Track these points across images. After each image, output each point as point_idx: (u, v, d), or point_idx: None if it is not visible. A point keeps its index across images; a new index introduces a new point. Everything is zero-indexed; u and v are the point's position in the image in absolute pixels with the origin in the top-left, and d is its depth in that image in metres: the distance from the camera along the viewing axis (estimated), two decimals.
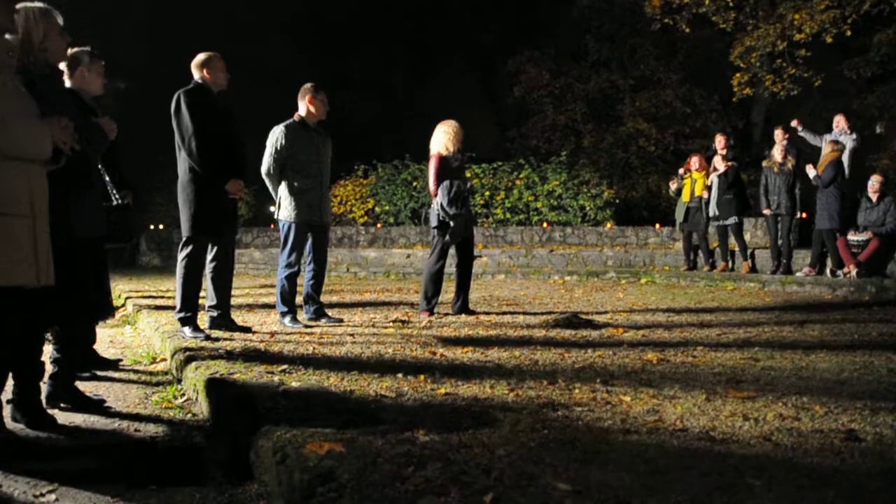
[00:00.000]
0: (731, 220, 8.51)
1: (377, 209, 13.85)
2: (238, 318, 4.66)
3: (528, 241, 12.73)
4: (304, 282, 4.87)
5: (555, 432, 1.98)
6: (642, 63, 16.99)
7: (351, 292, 7.61)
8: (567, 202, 13.51)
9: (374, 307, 5.93)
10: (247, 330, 4.32)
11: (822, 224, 7.67)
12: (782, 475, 1.61)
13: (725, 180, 8.49)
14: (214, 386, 2.77)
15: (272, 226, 13.70)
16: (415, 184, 13.46)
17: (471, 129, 6.21)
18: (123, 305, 6.73)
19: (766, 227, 8.67)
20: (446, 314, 5.23)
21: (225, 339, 3.95)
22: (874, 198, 7.58)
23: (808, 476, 1.61)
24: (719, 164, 8.57)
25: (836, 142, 7.99)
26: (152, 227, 15.58)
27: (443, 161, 5.21)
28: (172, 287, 4.54)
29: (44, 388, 2.84)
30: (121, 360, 4.05)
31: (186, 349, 3.56)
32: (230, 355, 3.37)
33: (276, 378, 2.80)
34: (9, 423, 2.58)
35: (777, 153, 8.23)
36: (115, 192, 3.65)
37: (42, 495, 1.98)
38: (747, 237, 9.80)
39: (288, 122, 4.70)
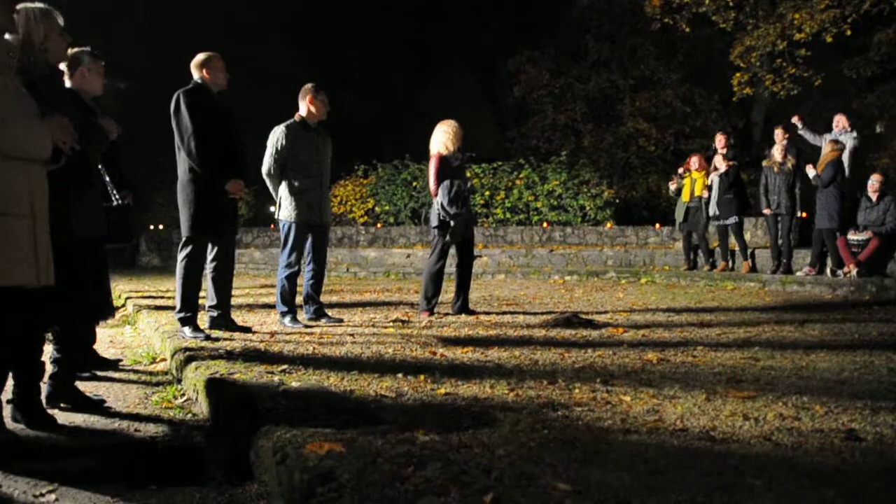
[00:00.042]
0: (732, 220, 8.51)
1: (377, 209, 13.85)
2: (238, 318, 4.66)
3: (528, 240, 12.73)
4: (303, 282, 4.87)
5: (555, 432, 1.97)
6: (642, 63, 16.99)
7: (351, 292, 7.61)
8: (567, 202, 13.51)
9: (374, 307, 5.93)
10: (247, 330, 4.32)
11: (822, 224, 7.67)
12: (782, 475, 1.61)
13: (726, 180, 8.49)
14: (214, 386, 2.77)
15: (272, 226, 13.70)
16: (415, 184, 13.46)
17: (471, 129, 6.21)
18: (123, 305, 6.73)
19: (766, 226, 8.67)
20: (446, 314, 5.23)
21: (225, 339, 3.95)
22: (874, 197, 7.57)
23: (809, 476, 1.61)
24: (720, 163, 8.57)
25: (835, 141, 7.98)
26: (152, 227, 15.58)
27: (443, 161, 5.21)
28: (172, 287, 4.55)
29: (44, 388, 2.84)
30: (121, 360, 4.05)
31: (186, 349, 3.56)
32: (230, 355, 3.37)
33: (276, 378, 2.80)
34: (9, 423, 2.58)
35: (777, 153, 8.23)
36: (115, 192, 3.65)
37: (42, 495, 1.98)
38: (747, 237, 9.81)
39: (289, 122, 4.70)
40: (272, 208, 5.54)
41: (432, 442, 1.86)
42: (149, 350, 4.45)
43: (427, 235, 12.30)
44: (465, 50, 22.86)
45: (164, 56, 14.92)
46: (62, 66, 3.33)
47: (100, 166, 3.30)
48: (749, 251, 8.80)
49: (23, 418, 2.63)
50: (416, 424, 2.04)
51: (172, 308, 4.46)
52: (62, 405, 2.92)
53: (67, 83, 3.47)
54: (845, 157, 8.11)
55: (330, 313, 4.94)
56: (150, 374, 3.78)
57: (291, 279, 4.67)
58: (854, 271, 7.22)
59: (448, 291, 5.73)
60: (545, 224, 13.21)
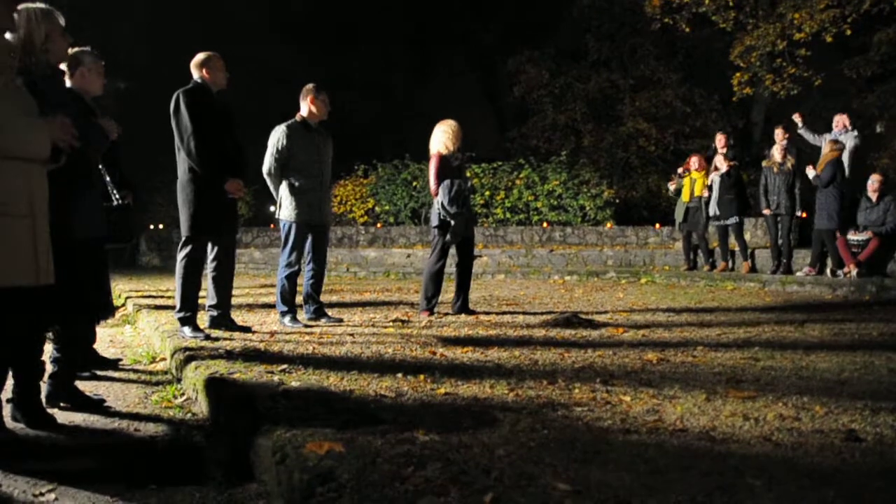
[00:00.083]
0: (732, 220, 8.51)
1: (377, 209, 13.85)
2: (238, 317, 4.66)
3: (528, 240, 12.73)
4: (303, 281, 4.87)
5: (555, 432, 1.97)
6: (642, 63, 16.99)
7: (351, 292, 7.61)
8: (567, 202, 13.50)
9: (374, 307, 5.93)
10: (247, 330, 4.32)
11: (822, 224, 7.66)
12: (783, 475, 1.61)
13: (728, 180, 8.49)
14: (214, 385, 2.77)
15: (272, 225, 13.69)
16: (415, 183, 13.46)
17: (471, 129, 6.21)
18: (123, 305, 6.73)
19: (766, 226, 8.67)
20: (446, 314, 5.23)
21: (225, 339, 3.94)
22: (874, 197, 7.58)
23: (809, 476, 1.61)
24: (721, 163, 8.56)
25: (835, 141, 7.98)
26: (152, 227, 15.57)
27: (443, 160, 5.21)
28: (172, 287, 4.55)
29: (44, 387, 2.84)
30: (121, 359, 4.05)
31: (186, 349, 3.56)
32: (230, 355, 3.37)
33: (275, 378, 2.80)
34: (9, 422, 2.58)
35: (777, 153, 8.23)
36: (115, 192, 3.65)
37: (42, 495, 1.98)
38: (747, 237, 9.80)
39: (290, 122, 4.71)
40: (272, 208, 5.54)
41: (432, 442, 1.86)
42: (149, 350, 4.45)
43: (427, 235, 12.29)
44: (465, 50, 22.86)
45: (164, 56, 14.91)
46: (63, 67, 3.33)
47: (100, 166, 3.30)
48: (749, 251, 8.80)
49: (23, 418, 2.63)
50: (415, 424, 2.04)
51: (172, 308, 4.46)
52: (62, 405, 2.92)
53: (68, 83, 3.46)
54: (846, 157, 8.12)
55: (330, 313, 4.94)
56: (150, 373, 3.78)
57: (291, 279, 4.67)
58: (854, 271, 7.22)
59: (448, 291, 5.73)
60: (545, 224, 13.21)
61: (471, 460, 1.69)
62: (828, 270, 7.71)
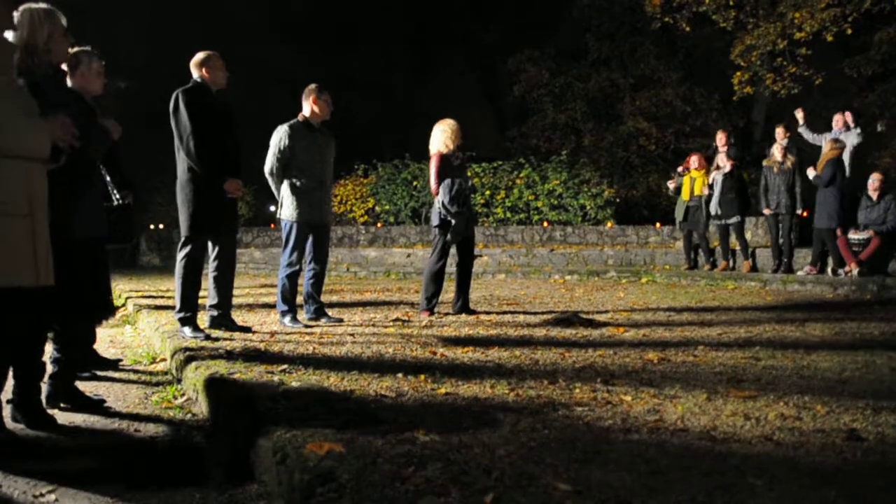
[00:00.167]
0: (734, 219, 8.50)
1: (377, 209, 13.85)
2: (238, 317, 4.66)
3: (529, 240, 12.73)
4: (304, 281, 4.86)
5: (555, 432, 1.97)
6: (642, 62, 16.98)
7: (351, 292, 7.61)
8: (567, 201, 13.50)
9: (375, 307, 5.93)
10: (247, 330, 4.32)
11: (821, 223, 7.66)
12: (784, 475, 1.61)
13: (730, 179, 8.48)
14: (214, 386, 2.77)
15: (272, 225, 13.69)
16: (415, 183, 13.46)
17: (471, 129, 6.21)
18: (123, 305, 6.73)
19: (767, 225, 8.66)
20: (447, 314, 5.22)
21: (225, 339, 3.94)
22: (874, 196, 7.57)
23: (810, 476, 1.60)
24: (723, 161, 8.55)
25: (835, 140, 7.97)
26: (152, 227, 15.57)
27: (443, 159, 5.21)
28: (172, 287, 4.54)
29: (44, 388, 2.84)
30: (121, 360, 4.05)
31: (186, 349, 3.56)
32: (230, 355, 3.36)
33: (276, 378, 2.80)
34: (9, 423, 2.57)
35: (777, 152, 8.22)
36: (115, 192, 3.65)
37: (42, 495, 1.97)
38: (748, 236, 9.80)
39: (292, 122, 4.71)
40: (272, 208, 5.55)
41: (432, 442, 1.86)
42: (149, 350, 4.45)
43: (427, 235, 12.29)
44: (465, 50, 22.86)
45: (164, 56, 14.92)
46: (64, 67, 3.33)
47: (100, 166, 3.30)
48: (750, 250, 8.80)
49: (23, 418, 2.63)
50: (416, 424, 2.04)
51: (172, 308, 4.46)
52: (62, 405, 2.92)
53: (69, 83, 3.46)
54: (847, 155, 8.11)
55: (330, 313, 4.94)
56: (150, 374, 3.78)
57: (292, 278, 4.67)
58: (855, 270, 7.21)
59: (448, 291, 5.72)
60: (545, 223, 13.21)
61: (471, 460, 1.69)
62: (829, 269, 7.70)
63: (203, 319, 4.32)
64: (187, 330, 4.03)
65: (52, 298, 2.54)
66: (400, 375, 2.84)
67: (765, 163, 8.51)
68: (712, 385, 2.64)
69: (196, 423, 2.75)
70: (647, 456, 1.75)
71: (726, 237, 8.77)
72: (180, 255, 4.10)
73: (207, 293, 4.34)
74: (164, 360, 4.01)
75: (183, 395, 3.17)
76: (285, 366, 3.05)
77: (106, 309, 4.05)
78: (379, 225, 13.50)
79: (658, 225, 13.12)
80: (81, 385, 3.13)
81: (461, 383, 2.70)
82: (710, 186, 8.70)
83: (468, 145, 5.63)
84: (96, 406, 2.96)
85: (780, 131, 8.49)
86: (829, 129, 8.67)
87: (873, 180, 7.61)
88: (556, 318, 4.71)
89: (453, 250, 5.43)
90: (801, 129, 8.82)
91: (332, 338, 4.04)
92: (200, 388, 2.89)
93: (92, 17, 13.44)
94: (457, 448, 1.79)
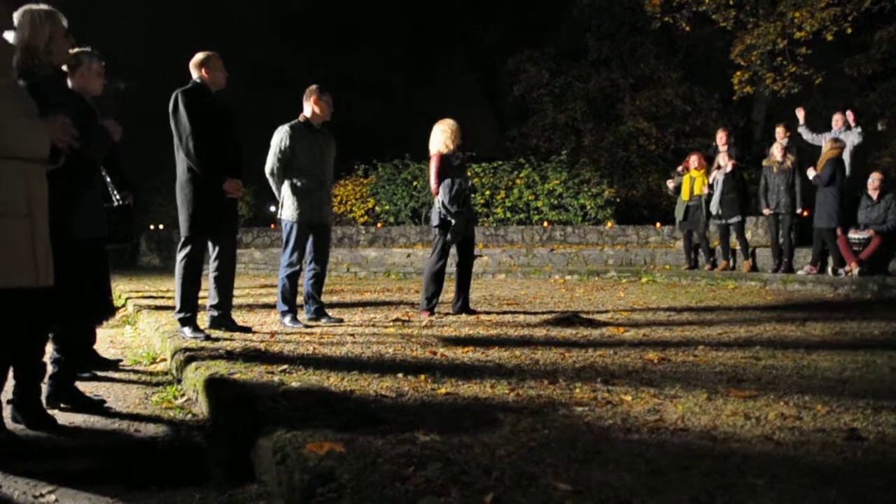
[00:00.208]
0: (735, 219, 8.50)
1: (377, 209, 13.85)
2: (238, 318, 4.66)
3: (529, 240, 12.72)
4: (304, 281, 4.87)
5: (555, 432, 1.97)
6: (642, 62, 16.98)
7: (351, 292, 7.61)
8: (567, 201, 13.50)
9: (375, 307, 5.93)
10: (247, 330, 4.32)
11: (821, 223, 7.65)
12: (784, 474, 1.60)
13: (732, 179, 8.48)
14: (214, 386, 2.77)
15: (272, 226, 13.70)
16: (415, 183, 13.46)
17: (471, 129, 6.22)
18: (123, 305, 6.74)
19: (767, 225, 8.66)
20: (447, 314, 5.22)
21: (225, 339, 3.94)
22: (874, 195, 7.56)
23: (811, 475, 1.60)
24: (724, 161, 8.54)
25: (835, 140, 7.97)
26: (152, 227, 15.57)
27: (444, 159, 5.21)
28: (172, 287, 4.55)
29: (44, 388, 2.84)
30: (121, 360, 4.05)
31: (186, 349, 3.56)
32: (230, 355, 3.36)
33: (276, 378, 2.80)
34: (9, 423, 2.57)
35: (776, 151, 8.22)
36: (115, 192, 3.65)
37: (42, 496, 1.97)
38: (748, 235, 9.79)
39: (293, 122, 4.71)
40: (272, 208, 5.55)
41: (433, 442, 1.85)
42: (149, 350, 4.45)
43: (427, 235, 12.29)
44: (465, 50, 22.85)
45: (164, 56, 14.93)
46: (64, 68, 3.33)
47: (100, 167, 3.30)
48: (750, 250, 8.79)
49: (23, 418, 2.63)
50: (416, 424, 2.04)
51: (172, 308, 4.46)
52: (62, 405, 2.92)
53: (69, 84, 3.46)
54: (847, 155, 8.10)
55: (330, 313, 4.94)
56: (150, 374, 3.78)
57: (292, 279, 4.67)
58: (856, 270, 7.21)
59: (448, 291, 5.72)
60: (546, 223, 13.20)
61: (471, 460, 1.69)
62: (829, 269, 7.70)
63: (203, 320, 4.32)
64: (187, 330, 4.03)
65: (52, 299, 2.54)
66: (400, 375, 2.84)
67: (764, 162, 8.51)
68: (712, 385, 2.64)
69: (196, 423, 2.75)
70: (648, 456, 1.74)
71: (726, 237, 8.77)
72: (180, 255, 4.10)
73: (207, 293, 4.34)
74: (164, 360, 4.01)
75: (183, 395, 3.17)
76: (285, 366, 3.05)
77: (106, 309, 4.06)
78: (379, 225, 13.50)
79: (658, 225, 13.11)
80: (81, 385, 3.13)
81: (461, 383, 2.70)
82: (711, 186, 8.70)
83: (468, 145, 5.63)
84: (96, 406, 2.96)
85: (780, 131, 8.48)
86: (830, 128, 8.67)
87: (873, 180, 7.61)
88: (556, 318, 4.71)
89: (453, 250, 5.43)
90: (801, 129, 8.81)
91: (332, 338, 4.04)
92: (200, 389, 2.89)
93: (92, 18, 13.45)
94: (457, 448, 1.79)
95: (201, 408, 2.88)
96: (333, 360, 3.27)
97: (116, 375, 3.72)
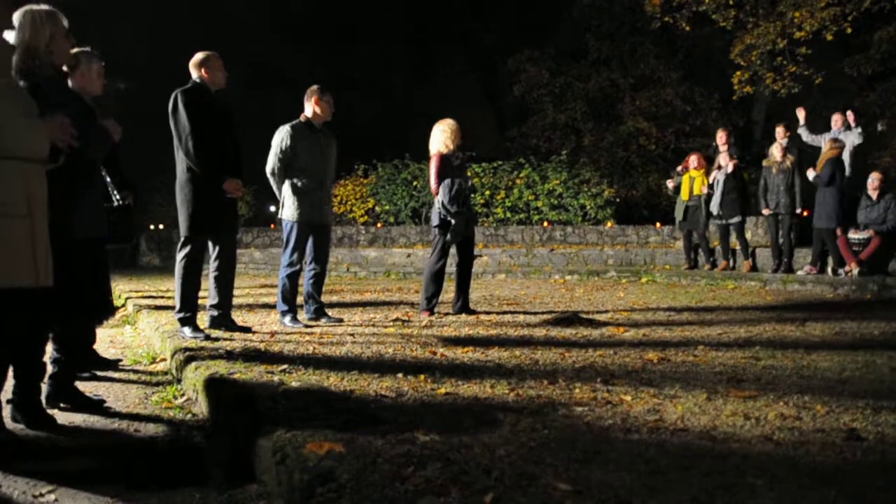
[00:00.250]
0: (736, 219, 8.50)
1: (377, 209, 13.85)
2: (238, 318, 4.66)
3: (529, 240, 12.73)
4: (304, 281, 4.87)
5: (555, 432, 1.97)
6: (642, 62, 16.98)
7: (351, 292, 7.61)
8: (567, 201, 13.50)
9: (375, 307, 5.93)
10: (247, 330, 4.32)
11: (821, 223, 7.65)
12: (784, 474, 1.61)
13: (732, 179, 8.48)
14: (214, 386, 2.77)
15: (272, 226, 13.70)
16: (415, 183, 13.46)
17: (471, 129, 6.22)
18: (123, 305, 6.73)
19: (767, 225, 8.66)
20: (447, 314, 5.22)
21: (225, 339, 3.94)
22: (874, 195, 7.57)
23: (810, 475, 1.60)
24: (725, 161, 8.54)
25: (835, 140, 7.97)
26: (152, 227, 15.57)
27: (444, 159, 5.21)
28: (172, 287, 4.55)
29: (44, 388, 2.84)
30: (121, 360, 4.05)
31: (186, 349, 3.56)
32: (230, 355, 3.36)
33: (276, 378, 2.80)
34: (9, 423, 2.57)
35: (776, 151, 8.22)
36: (115, 192, 3.65)
37: (42, 495, 1.98)
38: (748, 235, 9.79)
39: (294, 122, 4.71)
40: (272, 208, 5.55)
41: (432, 442, 1.85)
42: (149, 350, 4.45)
43: (427, 235, 12.29)
44: (465, 50, 22.86)
45: (164, 56, 14.93)
46: (65, 68, 3.33)
47: (100, 167, 3.30)
48: (750, 250, 8.79)
49: (23, 418, 2.63)
50: (416, 424, 2.04)
51: (172, 308, 4.46)
52: (62, 405, 2.92)
53: (69, 84, 3.46)
54: (847, 155, 8.10)
55: (330, 313, 4.94)
56: (150, 374, 3.78)
57: (293, 278, 4.67)
58: (855, 270, 7.21)
59: (448, 291, 5.72)
60: (546, 223, 13.20)
61: (471, 460, 1.69)
62: (829, 269, 7.70)
63: (203, 319, 4.32)
64: (187, 330, 4.03)
65: (52, 298, 2.54)
66: (400, 375, 2.84)
67: (764, 163, 8.51)
68: (712, 385, 2.64)
69: (196, 423, 2.75)
70: (647, 456, 1.74)
71: (726, 237, 8.77)
72: (180, 255, 4.10)
73: (207, 293, 4.34)
74: (164, 360, 4.01)
75: (183, 395, 3.17)
76: (285, 366, 3.05)
77: (106, 309, 4.06)
78: (379, 225, 13.50)
79: (658, 225, 13.12)
80: (81, 385, 3.13)
81: (461, 383, 2.70)
82: (711, 186, 8.70)
83: (468, 145, 5.63)
84: (96, 406, 2.96)
85: (780, 131, 8.48)
86: (829, 128, 8.67)
87: (873, 180, 7.61)
88: (556, 317, 4.71)
89: (453, 250, 5.43)
90: (801, 130, 8.81)
91: (332, 338, 4.04)
92: (200, 388, 2.89)
93: (92, 18, 13.45)
94: (457, 448, 1.79)
95: (201, 408, 2.88)
96: (333, 360, 3.27)
97: (116, 375, 3.72)
